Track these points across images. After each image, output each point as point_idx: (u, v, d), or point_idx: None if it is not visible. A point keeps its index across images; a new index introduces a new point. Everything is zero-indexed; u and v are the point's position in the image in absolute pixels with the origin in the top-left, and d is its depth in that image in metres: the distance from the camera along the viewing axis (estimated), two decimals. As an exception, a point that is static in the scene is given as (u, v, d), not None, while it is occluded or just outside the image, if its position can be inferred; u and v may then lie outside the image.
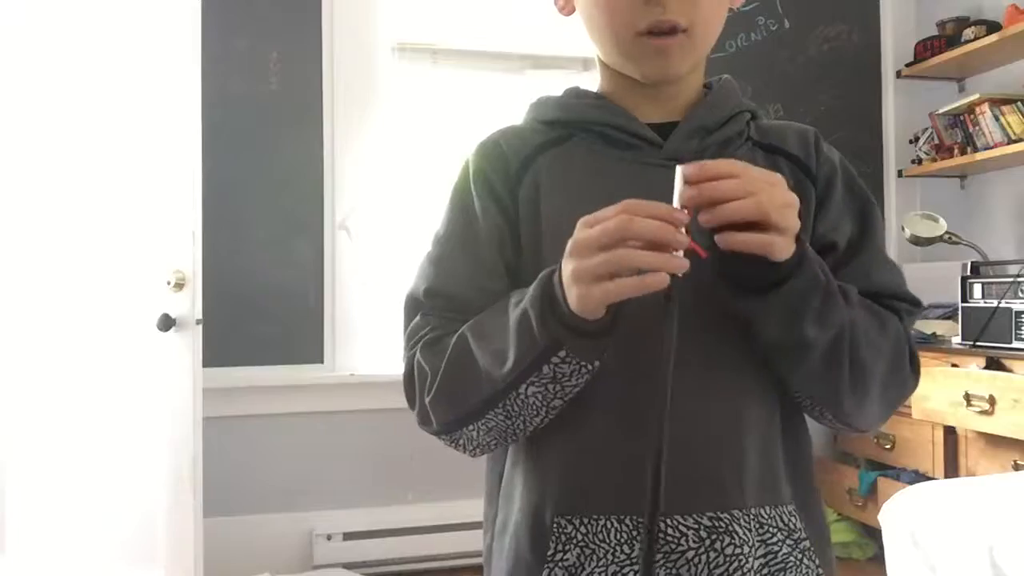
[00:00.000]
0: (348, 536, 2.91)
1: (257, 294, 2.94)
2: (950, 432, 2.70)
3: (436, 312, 0.81)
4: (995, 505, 1.80)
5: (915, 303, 0.85)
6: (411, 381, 0.80)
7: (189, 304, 2.25)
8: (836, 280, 0.77)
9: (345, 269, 3.03)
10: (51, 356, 2.29)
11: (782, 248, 0.69)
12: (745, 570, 0.75)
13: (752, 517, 0.77)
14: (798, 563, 0.78)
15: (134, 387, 2.29)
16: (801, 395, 0.79)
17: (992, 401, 2.42)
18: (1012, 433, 2.40)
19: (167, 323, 2.23)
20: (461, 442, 0.80)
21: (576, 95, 0.89)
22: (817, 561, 0.79)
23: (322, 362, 3.00)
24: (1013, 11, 2.94)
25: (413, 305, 0.84)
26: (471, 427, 0.77)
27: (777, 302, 0.72)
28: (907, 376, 0.82)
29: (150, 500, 2.27)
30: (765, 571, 0.76)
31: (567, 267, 0.68)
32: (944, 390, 2.56)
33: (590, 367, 0.72)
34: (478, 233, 0.83)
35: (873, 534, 2.91)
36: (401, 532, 2.93)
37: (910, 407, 2.76)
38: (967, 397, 2.48)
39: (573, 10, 0.88)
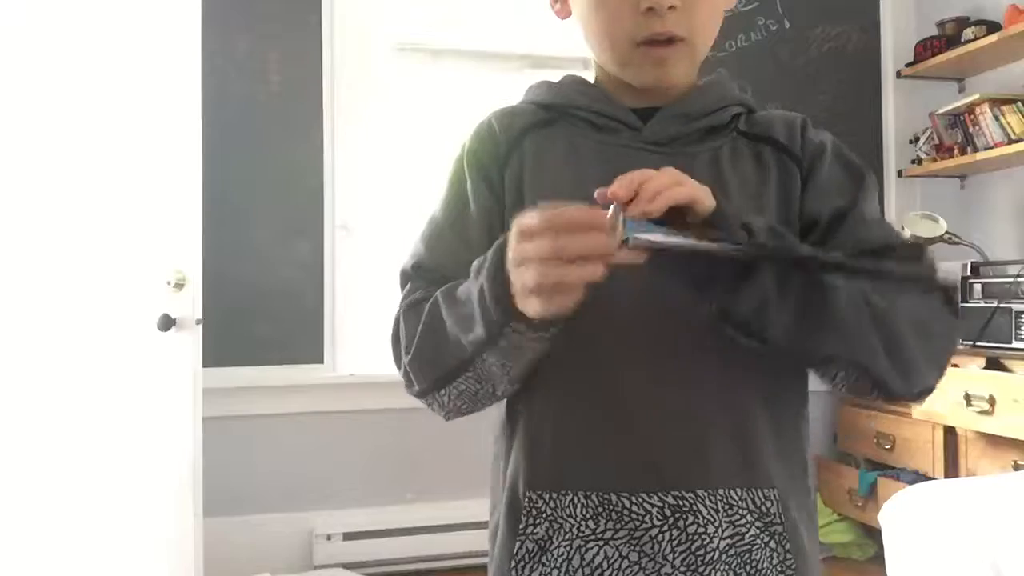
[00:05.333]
0: (348, 536, 2.91)
1: (257, 294, 2.94)
2: (950, 432, 2.70)
3: (423, 284, 0.84)
4: (995, 505, 1.80)
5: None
6: (396, 343, 0.83)
7: (189, 304, 2.25)
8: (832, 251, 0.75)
9: (345, 269, 3.04)
10: (51, 356, 2.29)
11: (706, 196, 0.69)
12: (708, 549, 0.76)
13: (720, 498, 0.77)
14: (764, 546, 0.78)
15: (134, 387, 2.29)
16: (840, 376, 0.76)
17: (992, 401, 2.42)
18: (1012, 433, 2.40)
19: (167, 323, 2.22)
20: (435, 407, 0.82)
21: (570, 82, 0.91)
22: (787, 547, 0.78)
23: (322, 362, 3.00)
24: (1013, 11, 2.94)
25: (403, 278, 0.87)
26: (443, 392, 0.79)
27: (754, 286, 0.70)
28: (942, 314, 0.78)
29: (150, 500, 2.27)
30: (731, 552, 0.77)
31: (512, 276, 0.67)
32: (944, 390, 2.56)
33: (546, 334, 0.72)
34: (469, 215, 0.85)
35: (873, 534, 2.91)
36: (401, 532, 2.93)
37: (910, 407, 2.77)
38: (967, 397, 2.49)
39: (569, 13, 0.89)
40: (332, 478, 2.97)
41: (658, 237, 0.65)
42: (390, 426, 2.92)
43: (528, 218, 0.65)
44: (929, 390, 0.78)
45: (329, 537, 2.90)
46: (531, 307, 0.66)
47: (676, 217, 0.68)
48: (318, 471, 2.96)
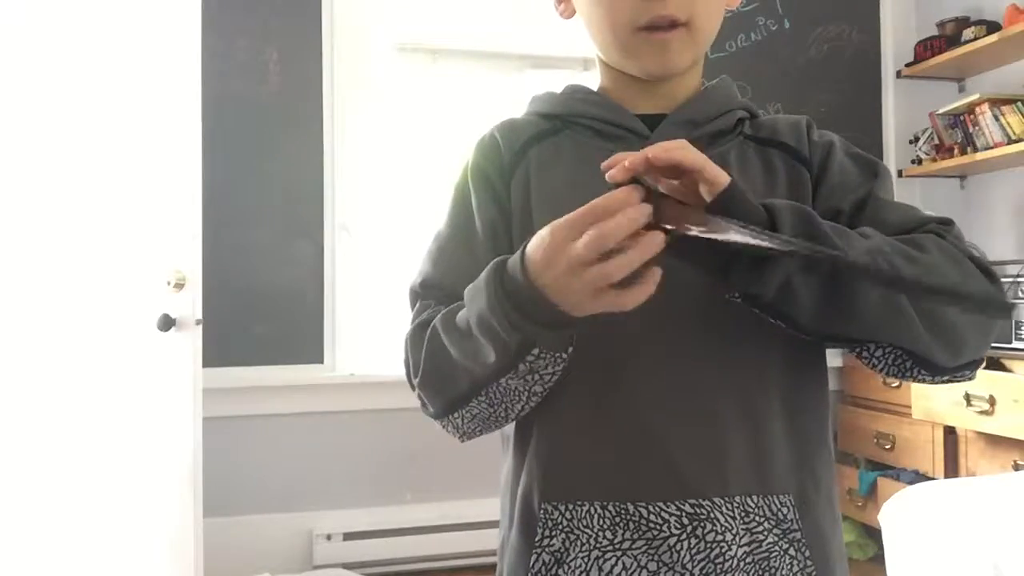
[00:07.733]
0: (348, 536, 2.91)
1: (257, 294, 2.94)
2: (950, 432, 2.70)
3: (432, 301, 0.83)
4: (995, 505, 1.80)
5: (944, 221, 0.79)
6: (406, 367, 0.82)
7: (189, 304, 2.25)
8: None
9: (345, 269, 3.04)
10: (51, 356, 2.29)
11: (716, 168, 0.68)
12: (727, 557, 0.75)
13: (737, 505, 0.76)
14: (783, 553, 0.77)
15: (134, 387, 2.29)
16: (878, 355, 0.75)
17: (992, 401, 2.42)
18: (1012, 433, 2.41)
19: (167, 323, 2.22)
20: (449, 428, 0.81)
21: (573, 91, 0.90)
22: (807, 554, 0.77)
23: (322, 362, 3.00)
24: (1013, 11, 2.94)
25: (412, 297, 0.86)
26: (456, 415, 0.78)
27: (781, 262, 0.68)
28: (981, 282, 0.74)
29: (150, 500, 2.27)
30: (749, 559, 0.76)
31: (557, 281, 0.64)
32: (944, 390, 2.56)
33: (564, 355, 0.72)
34: (474, 228, 0.84)
35: (873, 534, 2.91)
36: (401, 532, 2.93)
37: (910, 407, 2.77)
38: (967, 397, 2.49)
39: (573, 12, 0.89)
40: (332, 478, 2.97)
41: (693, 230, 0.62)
42: (390, 426, 2.92)
43: (559, 224, 0.63)
44: (977, 363, 0.76)
45: (329, 537, 2.90)
46: (603, 305, 0.63)
47: (691, 193, 0.67)
48: (318, 471, 2.96)
